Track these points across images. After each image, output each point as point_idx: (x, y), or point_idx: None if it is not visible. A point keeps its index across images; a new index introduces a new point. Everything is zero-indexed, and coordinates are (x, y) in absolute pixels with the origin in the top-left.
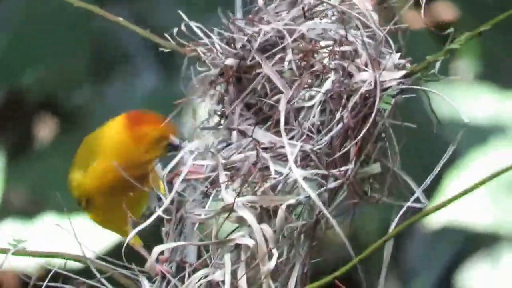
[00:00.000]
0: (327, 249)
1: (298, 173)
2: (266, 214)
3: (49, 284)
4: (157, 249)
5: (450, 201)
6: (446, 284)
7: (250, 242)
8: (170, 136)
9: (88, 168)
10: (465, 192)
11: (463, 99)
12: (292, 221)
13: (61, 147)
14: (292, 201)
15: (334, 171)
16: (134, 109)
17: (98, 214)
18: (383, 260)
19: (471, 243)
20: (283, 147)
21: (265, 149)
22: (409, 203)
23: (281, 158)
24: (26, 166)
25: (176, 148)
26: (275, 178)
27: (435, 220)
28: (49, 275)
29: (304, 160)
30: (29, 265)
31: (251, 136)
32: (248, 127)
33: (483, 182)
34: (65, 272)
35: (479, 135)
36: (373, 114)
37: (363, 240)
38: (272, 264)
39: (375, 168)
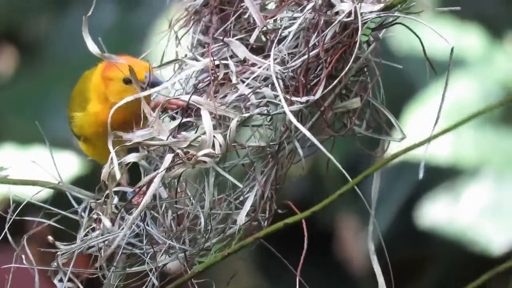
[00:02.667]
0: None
1: (280, 93)
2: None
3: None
4: (113, 153)
5: (416, 146)
6: (407, 218)
7: (203, 136)
8: (143, 75)
9: (86, 109)
10: (433, 138)
11: (424, 32)
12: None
13: (20, 77)
14: (245, 114)
15: (298, 98)
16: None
17: (92, 149)
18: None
19: (431, 177)
20: (254, 64)
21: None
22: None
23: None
24: None
25: (153, 85)
26: (237, 89)
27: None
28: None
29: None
30: None
31: (223, 40)
32: (228, 38)
33: (452, 127)
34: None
35: (439, 68)
36: (356, 45)
37: (322, 177)
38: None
39: (355, 102)
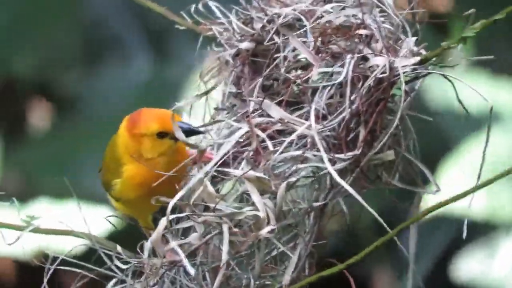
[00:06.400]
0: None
1: (324, 155)
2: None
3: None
4: (163, 221)
5: (452, 200)
6: (442, 273)
7: (259, 213)
8: (172, 127)
9: (122, 173)
10: (468, 193)
11: (458, 86)
12: (296, 200)
13: (55, 132)
14: (292, 179)
15: (340, 155)
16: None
17: (132, 208)
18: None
19: (467, 231)
20: (291, 123)
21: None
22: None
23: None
24: (21, 153)
25: (188, 132)
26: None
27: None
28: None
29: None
30: (25, 252)
31: (260, 105)
32: (260, 100)
33: (487, 183)
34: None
35: (474, 123)
36: (392, 98)
37: (358, 231)
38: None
39: (389, 155)
